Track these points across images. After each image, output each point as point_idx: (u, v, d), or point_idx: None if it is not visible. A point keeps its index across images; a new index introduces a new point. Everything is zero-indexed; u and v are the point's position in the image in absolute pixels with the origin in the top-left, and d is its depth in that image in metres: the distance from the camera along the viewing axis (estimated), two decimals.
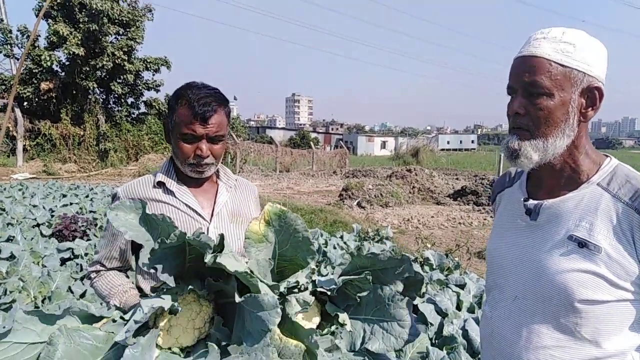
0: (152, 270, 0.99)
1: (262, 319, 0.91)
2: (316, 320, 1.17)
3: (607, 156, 1.19)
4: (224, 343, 0.99)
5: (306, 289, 1.12)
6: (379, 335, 1.14)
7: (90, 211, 8.33)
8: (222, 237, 1.03)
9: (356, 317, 1.18)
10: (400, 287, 1.19)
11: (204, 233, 1.00)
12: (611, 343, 1.10)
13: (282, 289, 1.07)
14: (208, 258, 0.98)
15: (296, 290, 1.11)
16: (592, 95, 1.12)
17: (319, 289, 1.14)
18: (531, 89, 1.11)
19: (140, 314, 0.94)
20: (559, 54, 1.09)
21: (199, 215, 1.57)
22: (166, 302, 0.99)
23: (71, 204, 8.96)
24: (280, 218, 1.12)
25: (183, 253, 1.04)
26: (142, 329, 0.97)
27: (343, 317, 1.15)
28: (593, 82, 1.11)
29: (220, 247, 1.02)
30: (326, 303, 1.17)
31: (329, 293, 1.15)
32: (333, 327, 1.18)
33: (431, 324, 3.31)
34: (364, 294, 1.15)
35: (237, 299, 0.97)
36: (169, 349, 1.01)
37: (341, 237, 7.16)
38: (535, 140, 1.13)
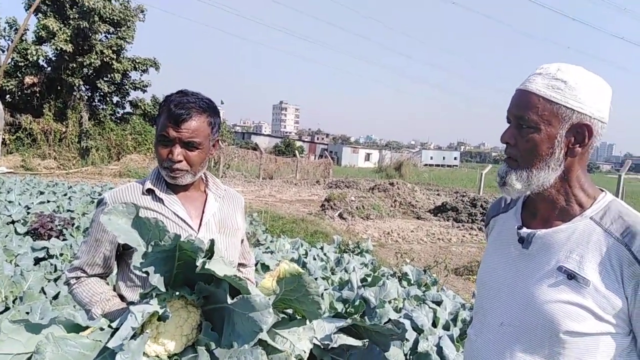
0: (142, 275, 1.00)
1: (253, 319, 0.91)
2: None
3: (602, 191, 1.21)
4: (213, 348, 0.99)
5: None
6: None
7: (68, 210, 8.14)
8: (212, 242, 1.03)
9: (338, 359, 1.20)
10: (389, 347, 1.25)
11: (197, 238, 1.01)
12: None
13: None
14: (199, 262, 0.98)
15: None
16: (581, 132, 1.13)
17: (313, 341, 1.15)
18: (520, 121, 1.16)
19: (134, 320, 0.93)
20: (549, 90, 1.12)
21: (187, 224, 1.56)
22: (157, 307, 0.99)
23: (48, 201, 8.76)
24: (295, 278, 1.11)
25: (172, 259, 1.04)
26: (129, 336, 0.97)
27: None
28: (583, 120, 1.12)
29: (210, 253, 1.02)
30: (313, 347, 1.17)
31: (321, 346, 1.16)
32: None
33: (407, 340, 3.34)
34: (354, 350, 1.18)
35: (229, 300, 0.97)
36: (157, 357, 1.01)
37: (321, 248, 7.15)
38: (520, 171, 1.17)
